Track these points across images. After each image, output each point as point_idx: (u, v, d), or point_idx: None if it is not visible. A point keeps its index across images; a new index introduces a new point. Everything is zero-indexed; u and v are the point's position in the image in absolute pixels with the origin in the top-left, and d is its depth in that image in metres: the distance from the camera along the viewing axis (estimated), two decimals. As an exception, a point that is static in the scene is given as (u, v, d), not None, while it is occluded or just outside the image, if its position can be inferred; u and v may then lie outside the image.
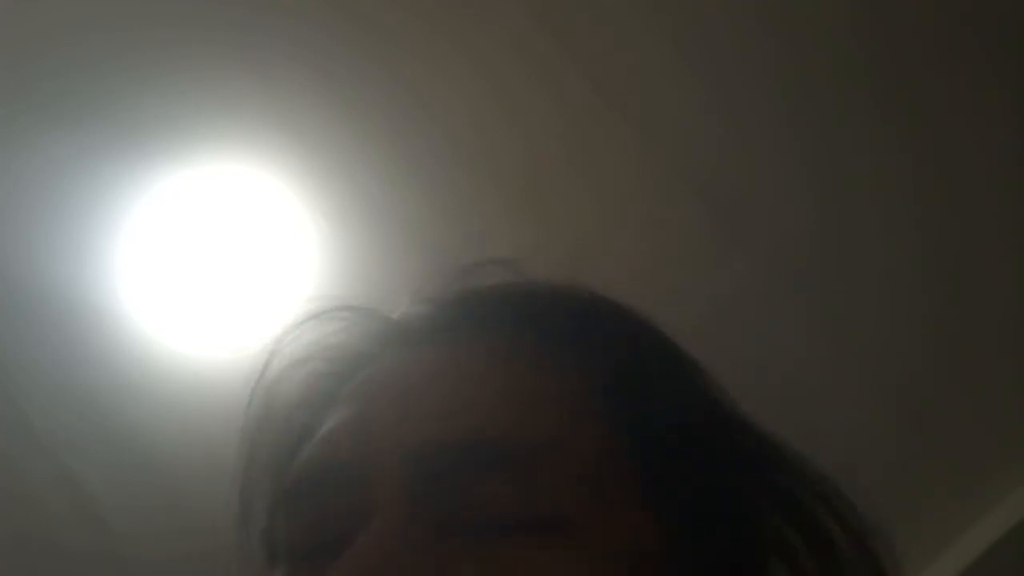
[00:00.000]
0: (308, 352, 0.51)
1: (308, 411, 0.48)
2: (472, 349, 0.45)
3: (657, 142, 1.48)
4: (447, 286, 0.50)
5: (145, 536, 1.70)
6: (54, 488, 1.67)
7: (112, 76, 1.40)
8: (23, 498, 1.68)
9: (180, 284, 1.56)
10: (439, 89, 1.43)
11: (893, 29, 1.39)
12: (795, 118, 1.45)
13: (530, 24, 1.39)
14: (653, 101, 1.45)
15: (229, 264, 1.56)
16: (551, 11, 1.39)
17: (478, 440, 0.40)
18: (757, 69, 1.42)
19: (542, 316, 0.46)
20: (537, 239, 1.45)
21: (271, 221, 1.53)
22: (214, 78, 1.41)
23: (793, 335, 1.56)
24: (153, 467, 1.66)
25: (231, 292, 1.57)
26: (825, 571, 0.44)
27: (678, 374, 0.47)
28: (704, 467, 0.43)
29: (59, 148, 1.43)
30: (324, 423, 0.45)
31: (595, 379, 0.44)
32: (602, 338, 0.46)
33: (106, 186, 1.47)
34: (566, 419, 0.42)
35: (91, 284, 1.54)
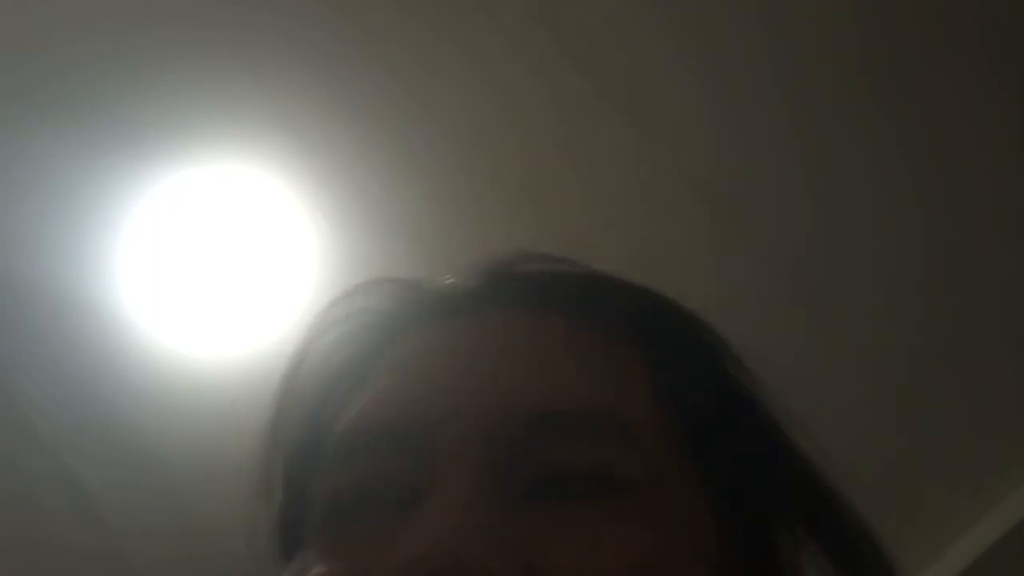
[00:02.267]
0: (347, 315, 0.50)
1: (346, 372, 0.47)
2: (530, 322, 0.45)
3: (657, 142, 1.48)
4: (489, 265, 0.50)
5: (145, 536, 1.70)
6: (54, 488, 1.67)
7: (112, 76, 1.40)
8: (23, 498, 1.68)
9: (180, 284, 1.56)
10: (439, 89, 1.43)
11: (893, 29, 1.39)
12: (794, 118, 1.45)
13: (530, 24, 1.39)
14: (653, 101, 1.45)
15: (229, 264, 1.56)
16: (551, 11, 1.39)
17: (557, 407, 0.40)
18: (757, 69, 1.42)
19: (591, 295, 0.47)
20: (537, 239, 1.45)
21: (271, 221, 1.53)
22: (214, 78, 1.41)
23: (793, 335, 1.56)
24: (153, 467, 1.66)
25: (231, 292, 1.57)
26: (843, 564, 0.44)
27: (718, 355, 0.48)
28: (741, 447, 0.44)
29: (59, 148, 1.43)
30: (371, 383, 0.44)
31: (645, 355, 0.45)
32: (650, 317, 0.48)
33: (106, 186, 1.47)
34: (631, 392, 0.43)
35: (91, 284, 1.54)
